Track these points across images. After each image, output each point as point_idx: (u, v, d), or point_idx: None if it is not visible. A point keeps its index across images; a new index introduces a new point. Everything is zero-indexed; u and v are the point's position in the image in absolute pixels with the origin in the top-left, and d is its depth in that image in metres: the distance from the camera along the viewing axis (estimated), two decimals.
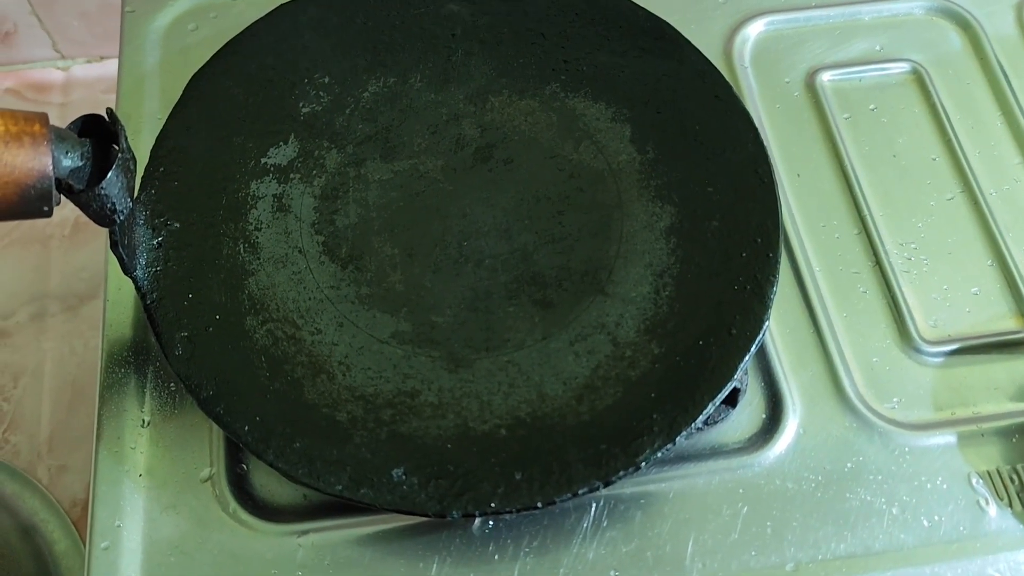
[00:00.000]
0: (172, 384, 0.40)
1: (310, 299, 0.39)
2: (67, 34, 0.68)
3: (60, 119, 0.68)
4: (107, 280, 0.42)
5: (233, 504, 0.37)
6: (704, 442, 0.39)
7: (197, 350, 0.37)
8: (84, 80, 0.70)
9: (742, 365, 0.37)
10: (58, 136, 0.32)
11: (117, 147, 0.34)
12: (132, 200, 0.34)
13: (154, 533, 0.37)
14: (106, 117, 0.34)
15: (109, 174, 0.33)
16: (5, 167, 0.31)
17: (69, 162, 0.32)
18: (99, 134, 0.34)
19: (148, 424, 0.39)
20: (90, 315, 0.60)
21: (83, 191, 0.33)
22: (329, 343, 0.38)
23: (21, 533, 0.53)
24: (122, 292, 0.42)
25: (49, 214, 0.33)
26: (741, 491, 0.38)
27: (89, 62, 0.71)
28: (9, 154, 0.31)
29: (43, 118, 0.32)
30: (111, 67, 0.70)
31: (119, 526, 0.37)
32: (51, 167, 0.31)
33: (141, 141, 0.46)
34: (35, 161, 0.31)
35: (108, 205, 0.33)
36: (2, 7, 0.65)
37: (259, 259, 0.40)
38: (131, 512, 0.37)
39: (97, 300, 0.61)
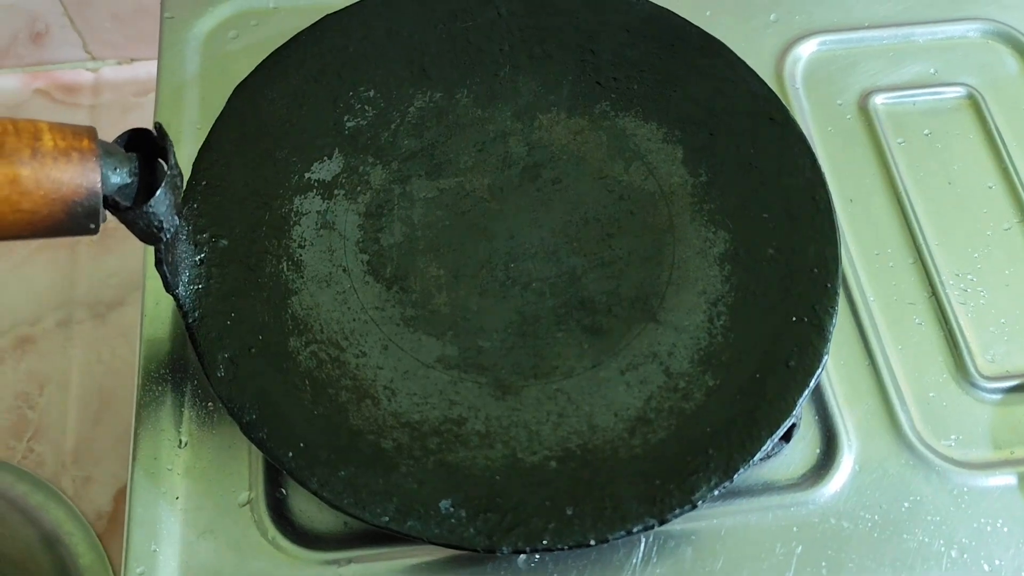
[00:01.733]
0: (210, 403, 0.39)
1: (354, 320, 0.38)
2: (99, 35, 0.67)
3: (89, 121, 0.67)
4: (144, 294, 0.41)
5: (272, 530, 0.36)
6: (756, 477, 0.38)
7: (239, 372, 0.36)
8: (114, 82, 0.69)
9: (801, 400, 0.36)
10: (106, 152, 0.31)
11: (165, 163, 0.33)
12: (178, 217, 0.33)
13: (191, 559, 0.36)
14: (153, 131, 0.33)
15: (158, 192, 0.32)
16: (53, 184, 0.30)
17: (117, 179, 0.31)
18: (145, 148, 0.33)
19: (185, 445, 0.38)
20: (117, 323, 0.60)
21: (130, 208, 0.32)
22: (374, 366, 0.37)
23: (45, 545, 0.53)
24: (159, 307, 0.41)
25: (95, 232, 0.32)
26: (795, 529, 0.37)
27: (119, 64, 0.70)
28: (57, 170, 0.30)
29: (91, 133, 0.31)
30: (141, 69, 0.70)
31: (155, 550, 0.36)
32: (99, 184, 0.30)
33: (181, 151, 0.44)
34: (83, 178, 0.30)
35: (155, 223, 0.32)
36: (35, 8, 0.65)
37: (303, 278, 0.39)
38: (167, 536, 0.36)
39: (125, 308, 0.60)
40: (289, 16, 0.49)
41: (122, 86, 0.69)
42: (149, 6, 0.65)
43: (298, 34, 0.44)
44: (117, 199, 0.32)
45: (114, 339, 0.59)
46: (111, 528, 0.53)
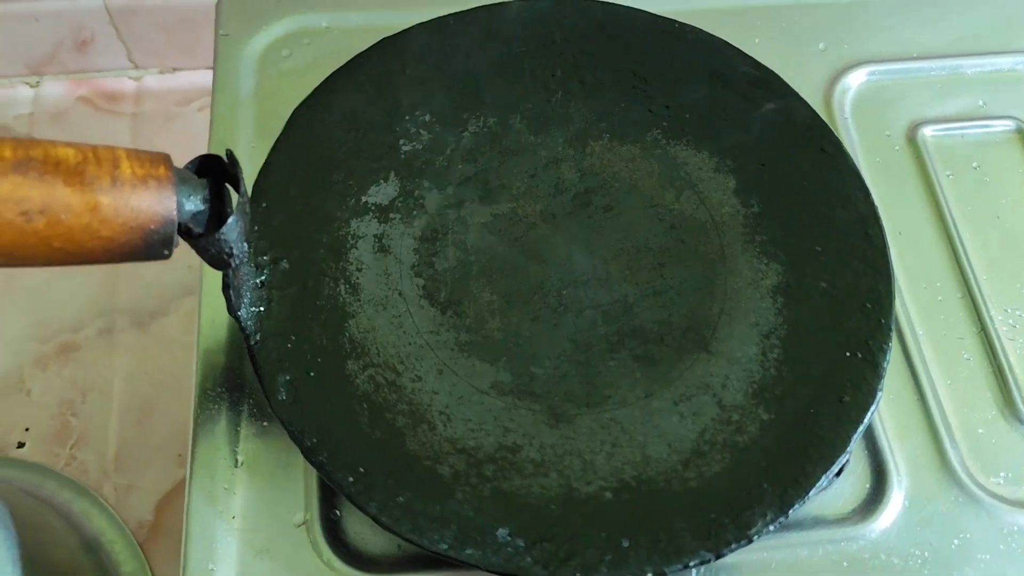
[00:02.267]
0: (265, 422, 0.39)
1: (410, 344, 0.39)
2: (143, 45, 0.68)
3: (131, 130, 0.68)
4: (200, 312, 0.41)
5: (327, 552, 0.37)
6: (807, 511, 0.38)
7: (300, 395, 0.36)
8: (157, 91, 0.70)
9: (855, 437, 0.36)
10: (181, 179, 0.32)
11: (237, 191, 0.33)
12: (247, 244, 0.34)
13: None
14: (224, 157, 0.34)
15: (229, 219, 0.32)
16: (131, 212, 0.30)
17: (191, 206, 0.32)
18: (215, 173, 0.34)
19: (241, 464, 0.39)
20: (159, 332, 0.60)
21: (203, 235, 0.32)
22: (429, 391, 0.38)
23: (88, 552, 0.53)
24: (215, 324, 0.41)
25: (167, 257, 0.32)
26: (845, 564, 0.37)
27: (162, 73, 0.70)
28: (136, 198, 0.30)
29: (166, 160, 0.32)
30: (184, 79, 0.70)
31: (212, 569, 0.36)
32: (175, 212, 0.31)
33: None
34: (160, 206, 0.31)
35: (226, 249, 0.33)
36: (81, 16, 0.65)
37: (360, 301, 0.39)
38: (224, 556, 0.36)
39: (166, 318, 0.61)
40: (342, 36, 0.50)
41: (165, 95, 0.69)
42: (194, 17, 0.66)
43: (355, 57, 0.44)
44: (190, 226, 0.32)
45: (156, 349, 0.59)
46: (152, 537, 0.54)
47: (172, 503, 0.55)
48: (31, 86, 0.69)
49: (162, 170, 0.31)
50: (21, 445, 0.56)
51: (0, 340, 0.59)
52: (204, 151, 0.70)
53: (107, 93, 0.70)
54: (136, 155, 0.31)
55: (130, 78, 0.70)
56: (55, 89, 0.69)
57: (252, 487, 0.38)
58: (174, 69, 0.70)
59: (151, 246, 0.31)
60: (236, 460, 0.39)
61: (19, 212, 0.28)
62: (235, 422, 0.39)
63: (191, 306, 0.61)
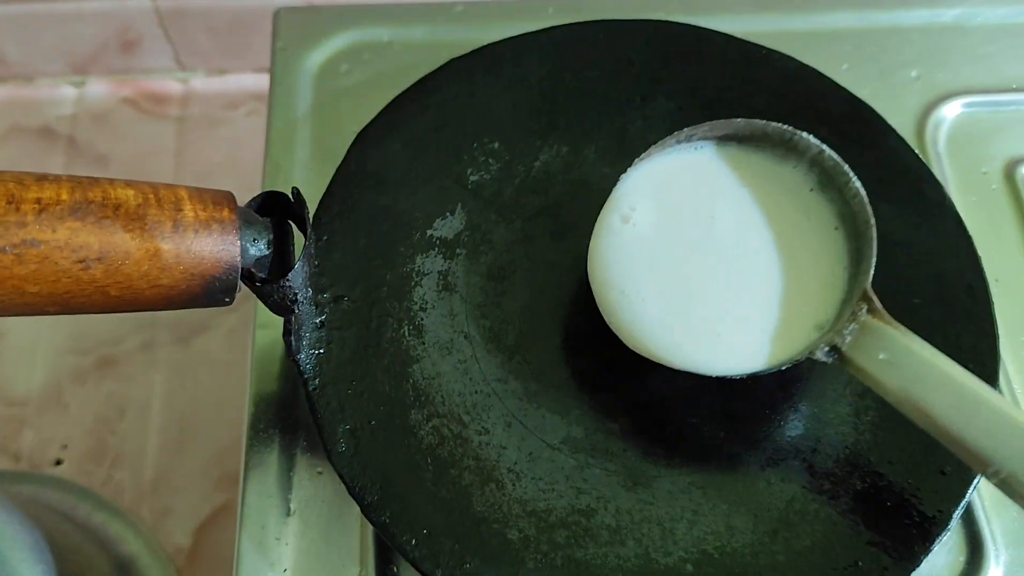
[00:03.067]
0: (319, 469, 0.37)
1: (476, 392, 0.36)
2: (191, 47, 0.66)
3: (177, 135, 0.66)
4: (253, 349, 0.39)
5: None
6: None
7: (361, 447, 0.34)
8: (203, 94, 0.68)
9: (957, 513, 0.33)
10: (245, 221, 0.29)
11: (303, 232, 0.31)
12: (315, 289, 0.31)
13: None
14: (290, 196, 0.31)
15: (296, 265, 0.30)
16: (193, 258, 0.28)
17: (255, 251, 0.30)
18: (278, 210, 0.32)
19: (293, 513, 0.36)
20: (200, 349, 0.58)
21: (267, 281, 0.30)
22: (497, 446, 0.35)
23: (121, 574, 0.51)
24: (268, 361, 0.39)
25: (229, 304, 0.30)
26: None
27: (208, 75, 0.68)
28: (198, 244, 0.28)
29: (230, 200, 0.29)
30: (231, 81, 0.68)
31: None
32: (239, 258, 0.29)
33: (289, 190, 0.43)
34: (223, 252, 0.28)
35: (290, 296, 0.31)
36: (129, 17, 0.63)
37: (424, 344, 0.37)
38: None
39: (207, 333, 0.59)
40: (403, 52, 0.47)
41: (211, 98, 0.67)
42: (245, 19, 0.64)
43: (421, 79, 0.42)
44: (253, 271, 0.30)
45: (196, 366, 0.58)
46: (189, 564, 0.52)
47: (210, 529, 0.53)
48: (75, 86, 0.67)
49: (226, 213, 0.29)
50: (59, 463, 0.55)
51: (40, 351, 0.57)
52: (250, 159, 0.68)
53: (152, 95, 0.68)
54: (199, 195, 0.29)
55: (176, 80, 0.68)
56: (98, 90, 0.68)
57: (304, 538, 0.36)
58: (221, 71, 0.68)
59: (212, 294, 0.29)
60: (288, 508, 0.36)
61: (76, 260, 0.26)
62: (288, 467, 0.37)
63: (233, 322, 0.59)
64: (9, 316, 0.26)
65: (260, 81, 0.68)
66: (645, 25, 0.44)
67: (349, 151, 0.40)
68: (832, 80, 0.42)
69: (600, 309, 0.35)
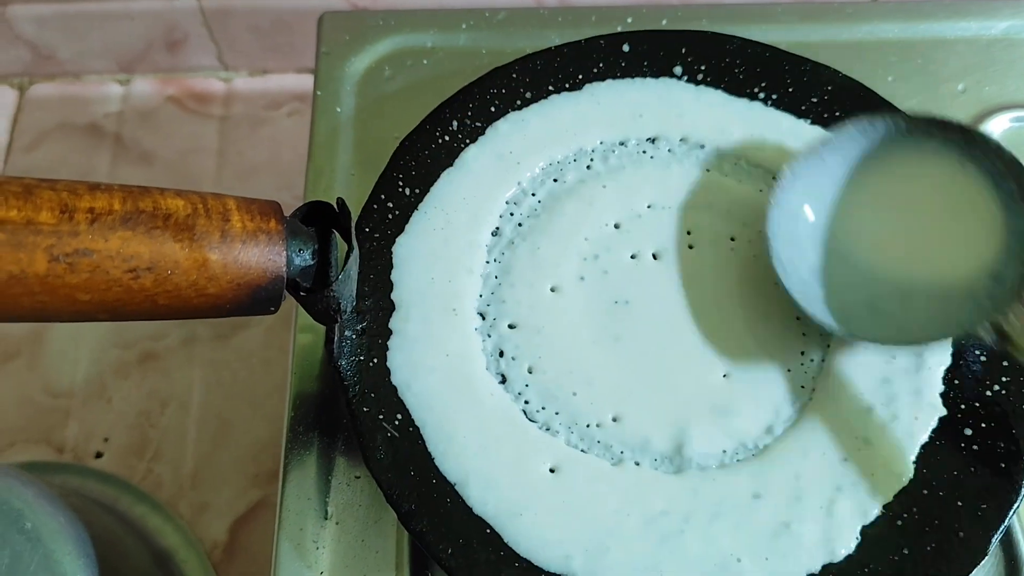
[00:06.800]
0: (357, 473, 0.38)
1: None
2: (234, 46, 0.67)
3: (219, 134, 0.67)
4: (293, 354, 0.40)
5: None
6: None
7: (399, 454, 0.34)
8: (246, 94, 0.68)
9: (996, 538, 0.33)
10: (291, 231, 0.30)
11: (348, 242, 0.31)
12: (356, 297, 0.32)
13: None
14: (335, 206, 0.32)
15: (341, 275, 0.30)
16: (240, 268, 0.28)
17: (300, 261, 0.30)
18: (322, 220, 0.32)
19: (331, 517, 0.37)
20: (239, 346, 0.59)
21: (312, 291, 0.30)
22: None
23: (159, 569, 0.52)
24: (308, 365, 0.40)
25: (274, 313, 0.30)
26: None
27: (251, 75, 0.69)
28: (245, 254, 0.28)
29: (277, 211, 0.30)
30: (273, 81, 0.69)
31: None
32: (285, 268, 0.29)
33: (332, 197, 0.43)
34: (270, 262, 0.29)
35: (334, 305, 0.31)
36: (175, 17, 0.64)
37: None
38: None
39: (247, 330, 0.59)
40: (447, 58, 0.47)
41: (254, 98, 0.68)
42: (288, 19, 0.64)
43: (464, 87, 0.42)
44: (298, 280, 0.30)
45: (235, 362, 0.58)
46: (226, 559, 0.53)
47: (247, 525, 0.54)
48: (121, 84, 0.69)
49: (272, 223, 0.29)
50: (99, 455, 0.56)
51: (84, 345, 0.58)
52: (291, 159, 0.69)
53: (196, 93, 0.69)
54: (246, 206, 0.29)
55: (219, 79, 0.69)
56: (144, 87, 0.69)
57: (341, 542, 0.36)
58: (264, 71, 0.69)
59: (258, 303, 0.29)
60: (326, 512, 0.37)
61: (126, 269, 0.26)
62: (326, 471, 0.38)
63: (273, 320, 0.59)
64: (61, 323, 0.26)
65: (302, 81, 0.68)
66: (689, 35, 0.43)
67: (392, 158, 0.40)
68: (881, 96, 0.41)
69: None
